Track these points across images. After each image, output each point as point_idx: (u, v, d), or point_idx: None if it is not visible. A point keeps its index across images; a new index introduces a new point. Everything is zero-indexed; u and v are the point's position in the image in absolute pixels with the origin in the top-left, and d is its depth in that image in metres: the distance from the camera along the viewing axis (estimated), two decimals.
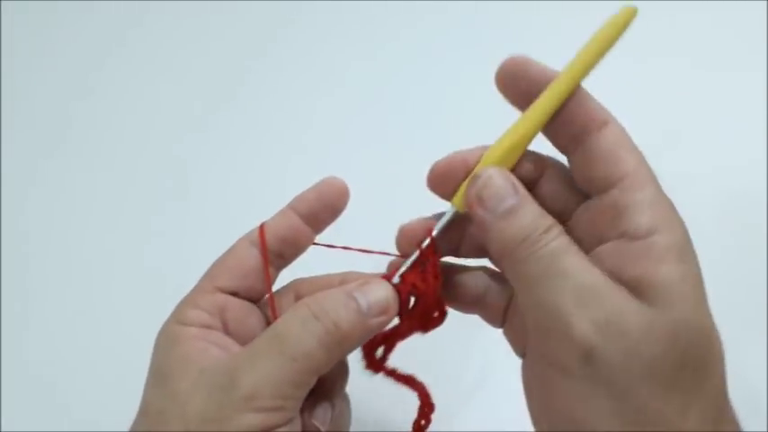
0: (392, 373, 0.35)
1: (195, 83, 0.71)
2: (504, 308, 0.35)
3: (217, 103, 0.69)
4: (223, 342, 0.33)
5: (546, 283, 0.29)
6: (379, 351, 0.35)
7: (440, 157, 0.34)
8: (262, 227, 0.35)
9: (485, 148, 0.33)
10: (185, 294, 0.35)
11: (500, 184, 0.31)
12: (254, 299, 0.35)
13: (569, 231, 0.31)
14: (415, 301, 0.34)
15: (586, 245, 0.30)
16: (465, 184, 0.32)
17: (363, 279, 0.33)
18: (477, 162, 0.33)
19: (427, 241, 0.33)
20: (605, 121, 0.31)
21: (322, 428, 0.34)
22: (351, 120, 0.67)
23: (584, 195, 0.32)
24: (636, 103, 0.63)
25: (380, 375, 0.36)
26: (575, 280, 0.28)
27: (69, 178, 0.65)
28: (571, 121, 0.31)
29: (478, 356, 0.52)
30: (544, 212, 0.31)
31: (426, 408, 0.35)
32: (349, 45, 0.73)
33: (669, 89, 0.65)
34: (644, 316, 0.27)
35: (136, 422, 0.32)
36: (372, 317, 0.32)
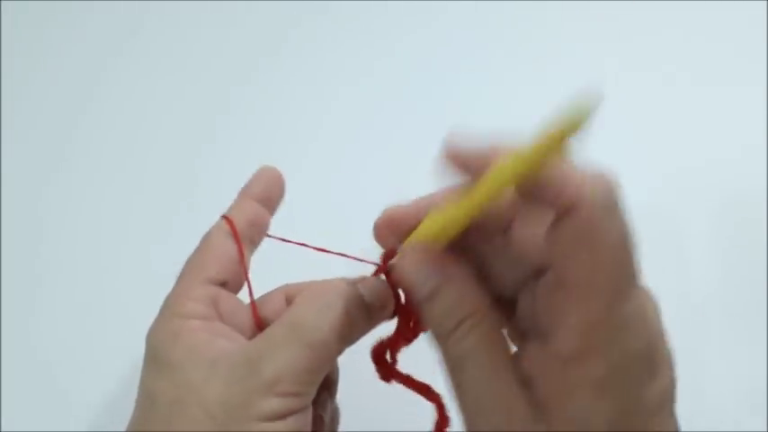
0: (407, 380, 0.34)
1: (204, 85, 0.70)
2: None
3: (225, 105, 0.68)
4: (226, 332, 0.33)
5: (451, 382, 0.28)
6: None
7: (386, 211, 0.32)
8: (226, 218, 0.35)
9: (436, 197, 0.30)
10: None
11: (416, 267, 0.28)
12: (237, 289, 0.35)
13: (537, 290, 0.28)
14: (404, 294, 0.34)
15: (540, 317, 0.27)
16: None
17: (359, 277, 0.33)
18: (415, 222, 0.30)
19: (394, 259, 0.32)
20: (574, 202, 0.23)
21: (325, 417, 0.35)
22: (358, 123, 0.67)
23: None
24: (636, 102, 0.63)
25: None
26: (472, 394, 0.27)
27: (75, 180, 0.64)
28: (530, 194, 0.25)
29: None
30: (463, 299, 0.28)
31: (442, 421, 0.34)
32: (356, 47, 0.72)
33: (670, 88, 0.65)
34: None
35: (141, 413, 0.31)
36: (375, 309, 0.32)
